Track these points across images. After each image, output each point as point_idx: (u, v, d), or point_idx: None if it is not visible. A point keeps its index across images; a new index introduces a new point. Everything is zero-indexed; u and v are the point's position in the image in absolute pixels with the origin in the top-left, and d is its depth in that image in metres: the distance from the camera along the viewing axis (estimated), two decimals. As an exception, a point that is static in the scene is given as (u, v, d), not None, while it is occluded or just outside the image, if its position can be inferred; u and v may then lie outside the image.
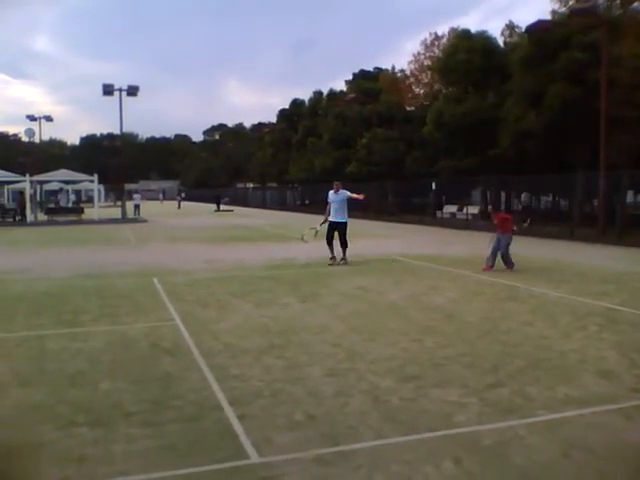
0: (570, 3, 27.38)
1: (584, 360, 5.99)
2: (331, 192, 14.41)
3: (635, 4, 26.95)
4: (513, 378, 5.40)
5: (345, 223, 14.17)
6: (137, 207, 41.33)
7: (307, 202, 58.61)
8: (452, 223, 31.50)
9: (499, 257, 12.91)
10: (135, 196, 44.06)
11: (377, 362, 5.97)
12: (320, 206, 47.34)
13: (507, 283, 11.02)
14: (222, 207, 55.19)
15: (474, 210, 33.94)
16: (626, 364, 5.81)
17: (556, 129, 25.64)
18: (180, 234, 25.14)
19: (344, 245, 14.06)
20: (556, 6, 28.64)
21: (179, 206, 59.93)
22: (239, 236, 23.40)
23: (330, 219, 14.27)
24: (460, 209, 33.93)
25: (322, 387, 5.26)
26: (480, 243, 20.64)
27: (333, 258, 14.07)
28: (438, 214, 35.04)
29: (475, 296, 9.77)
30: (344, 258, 14.00)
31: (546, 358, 6.06)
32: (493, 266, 12.76)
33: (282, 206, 59.60)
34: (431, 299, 9.49)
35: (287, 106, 64.00)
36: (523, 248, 18.75)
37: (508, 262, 12.89)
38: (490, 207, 14.88)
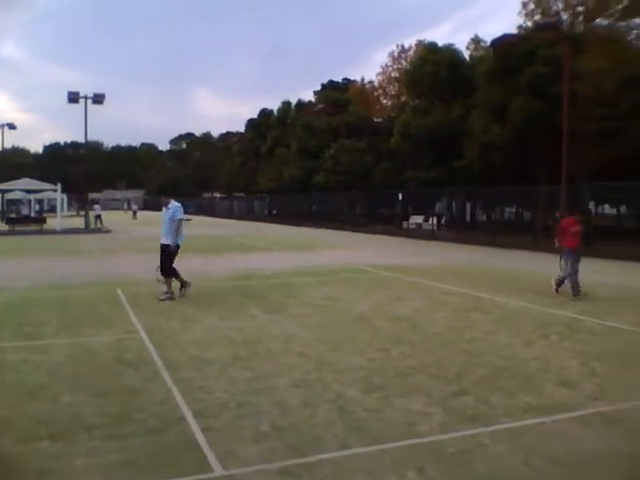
0: (536, 18, 28.10)
1: (546, 369, 6.10)
2: (164, 209, 11.33)
3: (597, 20, 27.79)
4: (477, 387, 5.47)
5: (170, 247, 10.56)
6: (98, 217, 40.35)
7: (275, 212, 58.55)
8: (418, 234, 31.83)
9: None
10: (95, 207, 43.17)
11: (343, 372, 5.98)
12: (288, 216, 47.59)
13: (472, 293, 11.17)
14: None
15: (441, 221, 34.35)
16: (586, 373, 5.94)
17: (520, 142, 26.18)
18: (144, 244, 24.77)
19: (165, 272, 10.61)
20: (521, 20, 29.37)
21: (134, 216, 58.81)
22: (205, 247, 23.18)
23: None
24: (426, 220, 34.29)
25: (288, 398, 5.24)
26: (445, 254, 20.99)
27: (181, 287, 10.88)
28: (405, 225, 35.35)
29: (440, 306, 9.88)
30: (168, 292, 10.55)
31: (509, 367, 6.16)
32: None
33: (250, 216, 59.40)
34: (397, 309, 9.55)
35: (256, 116, 64.04)
36: (487, 259, 19.08)
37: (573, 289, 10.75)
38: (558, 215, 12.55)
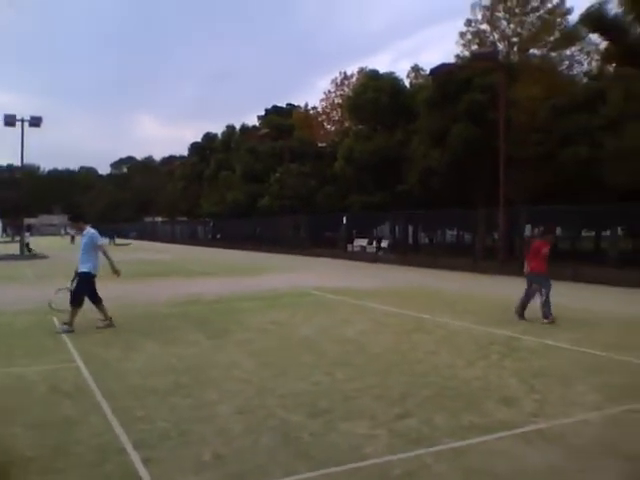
0: (472, 47, 29.18)
1: (487, 388, 6.20)
2: (69, 231, 10.38)
3: (531, 51, 29.11)
4: (420, 408, 5.51)
5: (84, 274, 9.95)
6: (27, 245, 38.28)
7: (219, 236, 58.04)
8: (362, 256, 32.13)
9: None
10: (27, 234, 41.73)
11: (288, 397, 5.91)
12: (233, 240, 47.19)
13: (414, 315, 11.30)
14: (117, 241, 54.51)
15: (384, 244, 34.81)
16: (526, 390, 6.07)
17: (459, 167, 26.95)
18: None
19: (74, 302, 9.86)
20: (459, 50, 30.45)
21: (72, 241, 57.09)
22: (146, 272, 22.70)
23: None
24: (370, 243, 34.70)
25: (231, 425, 5.13)
26: (388, 276, 21.23)
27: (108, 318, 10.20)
28: (349, 248, 35.64)
29: (384, 328, 9.94)
30: (68, 324, 9.70)
31: (452, 387, 6.23)
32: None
33: (193, 240, 58.69)
34: (342, 332, 9.56)
35: (199, 139, 63.64)
36: (429, 280, 19.40)
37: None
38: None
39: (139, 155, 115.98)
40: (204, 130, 74.36)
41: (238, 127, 57.10)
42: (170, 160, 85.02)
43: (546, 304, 10.29)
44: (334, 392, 6.07)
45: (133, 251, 42.16)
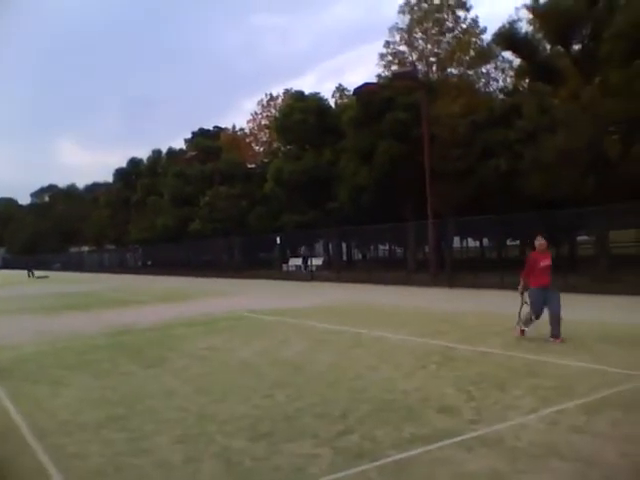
0: (393, 67, 30.02)
1: (426, 398, 6.28)
2: None
3: (449, 69, 30.23)
4: (362, 423, 5.51)
5: None
6: None
7: (149, 263, 56.72)
8: (298, 276, 32.14)
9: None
10: None
11: (228, 423, 5.79)
12: (164, 267, 46.14)
13: (352, 330, 11.36)
14: (36, 273, 52.80)
15: (318, 262, 34.98)
16: (464, 398, 6.18)
17: (387, 183, 27.53)
18: (4, 305, 22.98)
19: None
20: (381, 70, 31.27)
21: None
22: (73, 304, 21.86)
23: None
24: (305, 262, 34.79)
25: (170, 456, 4.97)
26: (324, 293, 21.29)
27: None
28: (284, 267, 35.59)
29: (323, 346, 9.94)
30: None
31: (392, 399, 6.28)
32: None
33: (122, 269, 57.09)
34: (281, 353, 9.48)
35: (124, 165, 62.21)
36: (364, 296, 19.61)
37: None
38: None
39: (61, 183, 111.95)
40: (129, 156, 72.79)
41: (164, 151, 56.24)
42: (94, 187, 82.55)
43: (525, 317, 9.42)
44: (275, 414, 5.99)
45: (58, 283, 40.53)
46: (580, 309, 11.77)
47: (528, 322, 9.36)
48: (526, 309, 9.39)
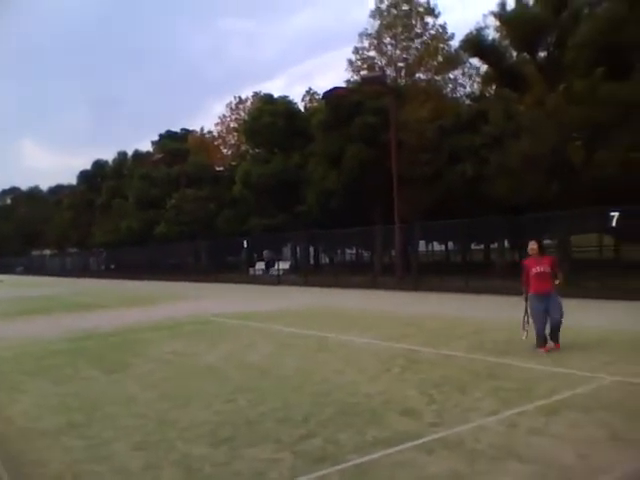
0: (362, 72, 30.19)
1: (389, 401, 6.29)
2: None
3: (417, 75, 30.52)
4: (325, 427, 5.49)
5: None
6: None
7: (113, 267, 55.89)
8: (265, 279, 32.02)
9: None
10: None
11: (189, 429, 5.71)
12: (129, 270, 45.46)
13: (318, 334, 11.34)
14: None
15: (285, 265, 34.90)
16: (426, 401, 6.21)
17: (355, 187, 27.62)
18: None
19: None
20: (350, 75, 31.42)
21: None
22: (34, 308, 21.38)
23: None
24: (272, 265, 34.69)
25: (130, 462, 4.89)
26: (291, 297, 21.24)
27: None
28: (251, 271, 35.41)
29: (288, 350, 9.90)
30: None
31: (355, 403, 6.27)
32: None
33: (86, 272, 56.15)
34: (246, 357, 9.41)
35: (89, 167, 61.21)
36: (331, 300, 19.63)
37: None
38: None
39: (24, 185, 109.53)
40: (94, 158, 71.62)
41: (131, 153, 55.48)
42: (58, 190, 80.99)
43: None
44: (237, 419, 5.93)
45: (16, 287, 39.64)
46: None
47: (541, 338, 8.51)
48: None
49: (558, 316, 8.42)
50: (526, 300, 8.74)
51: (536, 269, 8.55)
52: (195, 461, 4.83)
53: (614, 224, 16.28)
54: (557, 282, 8.53)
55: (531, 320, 8.62)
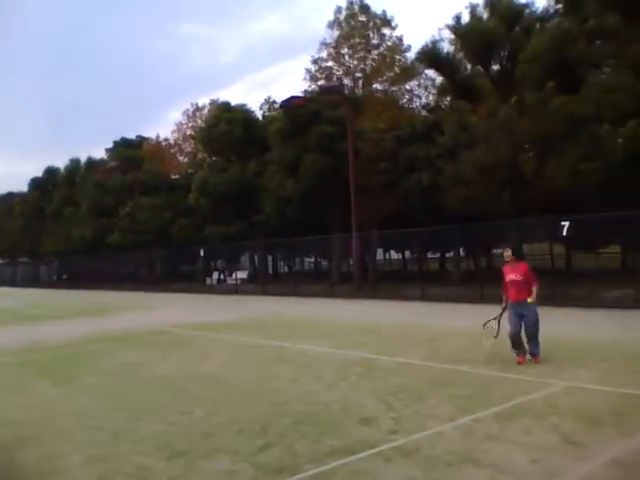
0: (320, 82, 30.36)
1: (347, 409, 6.28)
2: None
3: (374, 85, 30.87)
4: (282, 437, 5.44)
5: None
6: None
7: (65, 277, 54.51)
8: (222, 289, 31.70)
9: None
10: None
11: (144, 441, 5.58)
12: (81, 280, 44.36)
13: (275, 344, 11.28)
14: None
15: (243, 275, 34.65)
16: (383, 409, 6.23)
17: (313, 195, 27.68)
18: None
19: None
20: (308, 84, 31.58)
21: None
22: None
23: None
24: (229, 274, 34.38)
25: (82, 476, 4.79)
26: (248, 307, 21.10)
27: None
28: (208, 281, 35.01)
29: (244, 360, 9.81)
30: None
31: (312, 412, 6.25)
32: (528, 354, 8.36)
33: (36, 282, 54.57)
34: (201, 368, 9.28)
35: (41, 174, 59.58)
36: (288, 309, 19.58)
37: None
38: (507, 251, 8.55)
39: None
40: (46, 164, 69.67)
41: (84, 160, 54.20)
42: (9, 197, 78.54)
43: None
44: (193, 431, 5.83)
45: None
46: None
47: (514, 345, 8.22)
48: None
49: (531, 324, 8.14)
50: (503, 308, 8.43)
51: (509, 277, 8.36)
52: (150, 474, 4.73)
53: (565, 233, 16.74)
54: (529, 300, 8.16)
55: (507, 327, 8.26)
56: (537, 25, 21.55)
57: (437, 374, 7.85)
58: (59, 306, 26.54)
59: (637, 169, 17.41)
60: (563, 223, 16.28)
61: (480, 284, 18.91)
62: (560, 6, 21.60)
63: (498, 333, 8.29)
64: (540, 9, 22.40)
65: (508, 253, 8.61)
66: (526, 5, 21.99)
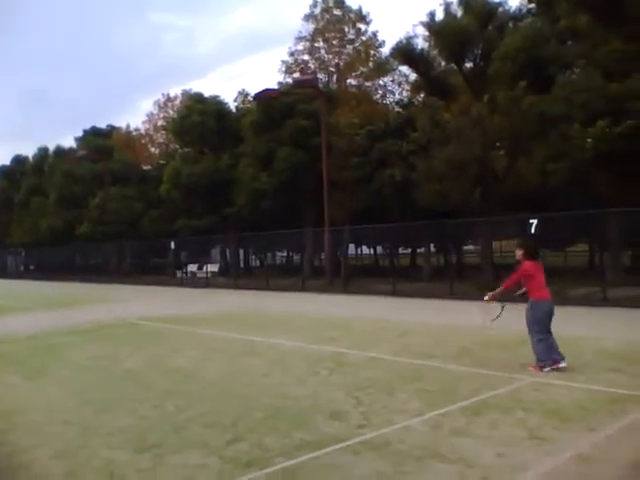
0: (295, 75, 30.29)
1: (317, 404, 6.34)
2: None
3: (348, 80, 30.92)
4: (252, 431, 5.47)
5: None
6: None
7: (33, 267, 53.55)
8: (193, 282, 31.52)
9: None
10: None
11: (113, 435, 5.56)
12: (49, 271, 43.65)
13: (246, 338, 11.28)
14: None
15: (214, 268, 34.47)
16: (352, 403, 6.30)
17: (287, 189, 27.66)
18: None
19: None
20: (282, 77, 31.48)
21: None
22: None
23: None
24: (200, 268, 34.18)
25: (50, 470, 4.75)
26: (220, 300, 21.03)
27: None
28: (178, 274, 34.77)
29: (215, 354, 9.80)
30: None
31: (283, 406, 6.29)
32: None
33: (3, 274, 53.58)
34: (172, 361, 9.25)
35: (8, 162, 58.36)
36: (260, 303, 19.56)
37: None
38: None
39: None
40: (14, 153, 68.28)
41: (52, 149, 53.18)
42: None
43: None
44: (163, 424, 5.82)
45: None
46: (465, 316, 12.30)
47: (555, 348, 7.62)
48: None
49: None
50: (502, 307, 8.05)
51: (540, 275, 7.87)
52: (119, 467, 4.72)
53: (533, 230, 17.03)
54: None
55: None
56: (510, 24, 21.82)
57: (407, 369, 7.95)
58: (27, 297, 26.11)
59: (605, 168, 17.81)
60: (531, 221, 16.55)
61: (450, 280, 19.17)
62: (533, 6, 21.94)
63: (497, 317, 8.04)
64: (513, 8, 22.77)
65: (520, 252, 7.82)
66: (500, 4, 22.27)
